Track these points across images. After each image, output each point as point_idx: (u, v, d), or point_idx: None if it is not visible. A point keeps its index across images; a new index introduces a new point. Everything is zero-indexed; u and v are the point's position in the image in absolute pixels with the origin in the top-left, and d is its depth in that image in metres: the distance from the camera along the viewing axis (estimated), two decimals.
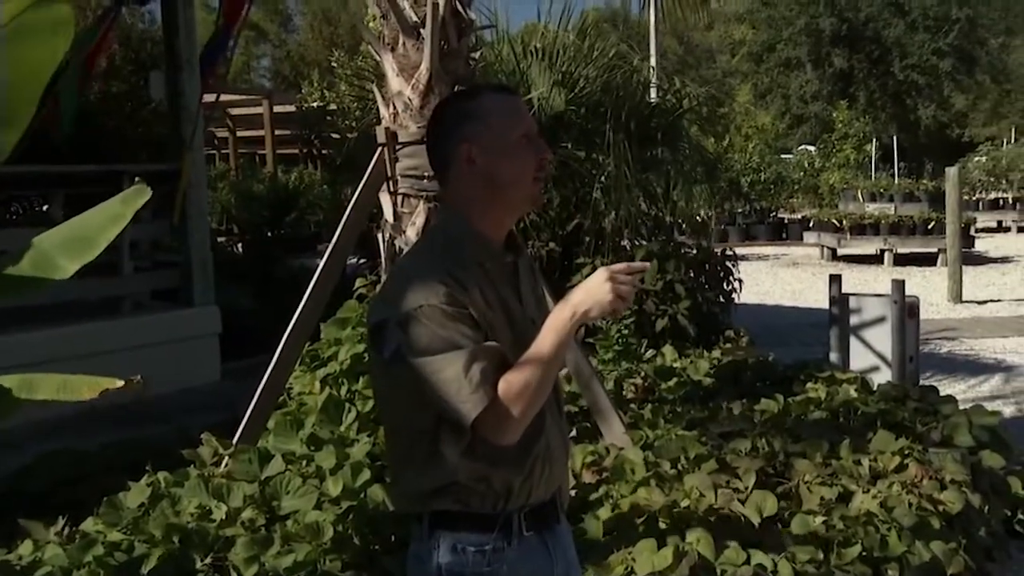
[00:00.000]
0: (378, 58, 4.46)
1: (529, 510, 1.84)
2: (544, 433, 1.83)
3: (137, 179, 2.36)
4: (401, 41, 4.29)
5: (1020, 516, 4.53)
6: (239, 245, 12.18)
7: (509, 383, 1.70)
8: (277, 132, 17.08)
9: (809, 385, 5.52)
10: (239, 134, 17.56)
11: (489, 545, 1.79)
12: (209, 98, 7.54)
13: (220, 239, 12.10)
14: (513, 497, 1.80)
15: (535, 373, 1.70)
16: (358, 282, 5.28)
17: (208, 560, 3.26)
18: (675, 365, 6.09)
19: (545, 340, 1.72)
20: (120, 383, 2.06)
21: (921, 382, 6.43)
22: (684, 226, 9.67)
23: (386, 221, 4.36)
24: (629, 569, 3.27)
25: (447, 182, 1.89)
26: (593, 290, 1.70)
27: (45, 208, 9.18)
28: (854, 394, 5.32)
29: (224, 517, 3.47)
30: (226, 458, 3.91)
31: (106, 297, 7.24)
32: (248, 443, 3.97)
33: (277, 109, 16.77)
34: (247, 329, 7.42)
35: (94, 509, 3.66)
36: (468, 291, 1.75)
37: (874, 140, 24.55)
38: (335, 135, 13.47)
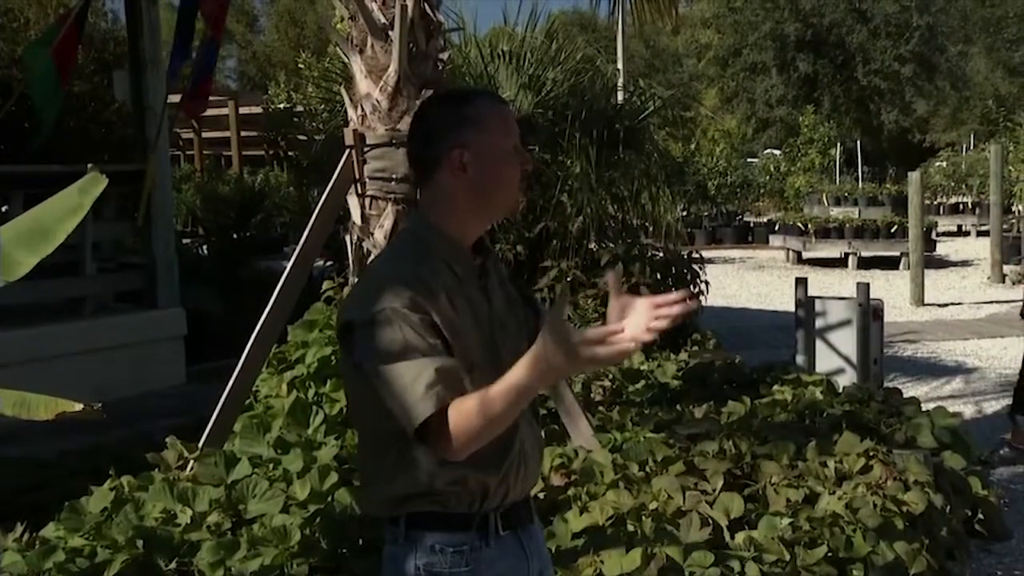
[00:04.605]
0: (346, 60, 4.44)
1: (504, 510, 1.84)
2: (518, 434, 1.83)
3: (90, 165, 2.31)
4: (369, 43, 4.27)
5: (980, 515, 4.60)
6: (204, 247, 12.05)
7: (458, 411, 1.61)
8: (243, 133, 16.95)
9: (775, 387, 5.56)
10: (204, 135, 17.37)
11: (467, 545, 1.79)
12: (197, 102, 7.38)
13: (185, 241, 11.97)
14: (489, 497, 1.80)
15: (487, 415, 1.60)
16: (325, 284, 5.24)
17: (173, 565, 3.22)
18: (642, 368, 6.11)
19: (502, 389, 1.59)
20: (79, 407, 2.03)
21: (885, 384, 6.51)
22: (651, 229, 9.70)
23: (354, 223, 4.34)
24: (598, 572, 3.28)
25: (428, 183, 1.84)
26: (565, 357, 1.53)
27: (4, 209, 9.03)
28: (820, 396, 5.38)
29: (189, 521, 3.43)
30: (191, 462, 3.87)
31: (68, 298, 7.14)
32: (214, 446, 3.93)
33: (243, 110, 16.65)
34: (213, 332, 7.35)
35: (55, 515, 3.60)
36: (435, 295, 1.73)
37: (838, 144, 24.80)
38: (302, 137, 13.40)
